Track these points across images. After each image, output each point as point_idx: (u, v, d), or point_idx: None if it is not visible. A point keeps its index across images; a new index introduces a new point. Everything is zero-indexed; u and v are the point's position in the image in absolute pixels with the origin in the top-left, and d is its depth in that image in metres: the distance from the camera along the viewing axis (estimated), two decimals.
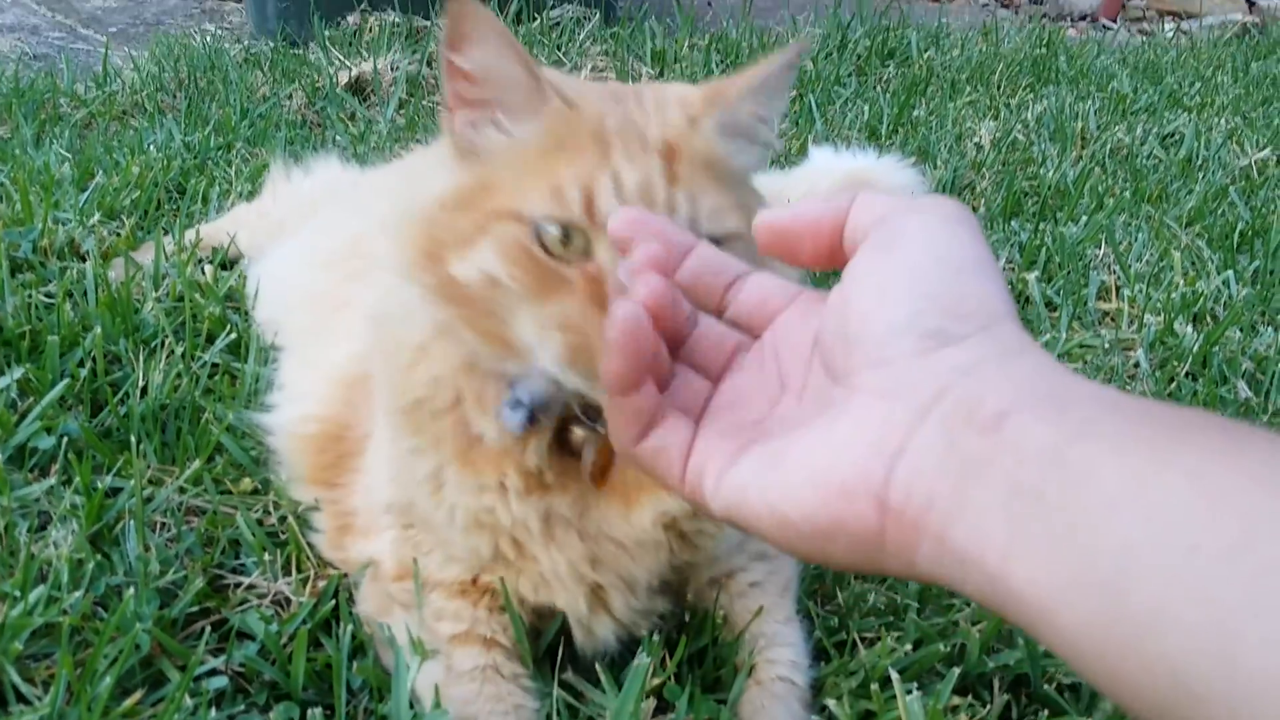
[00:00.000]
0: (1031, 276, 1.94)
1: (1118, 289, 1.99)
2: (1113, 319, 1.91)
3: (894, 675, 1.00)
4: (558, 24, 3.32)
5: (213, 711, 0.95)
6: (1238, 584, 0.44)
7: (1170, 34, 4.80)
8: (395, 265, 0.91)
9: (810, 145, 2.51)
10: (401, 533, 1.06)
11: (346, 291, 1.29)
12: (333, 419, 1.18)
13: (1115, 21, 5.45)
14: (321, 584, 1.13)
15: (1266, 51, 4.11)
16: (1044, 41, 3.79)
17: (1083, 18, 5.48)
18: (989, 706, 1.04)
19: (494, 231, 0.84)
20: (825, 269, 0.66)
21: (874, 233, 0.63)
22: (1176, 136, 2.92)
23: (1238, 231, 2.24)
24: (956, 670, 1.03)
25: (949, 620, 1.13)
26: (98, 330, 1.39)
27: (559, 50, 3.10)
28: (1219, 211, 2.37)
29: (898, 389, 0.58)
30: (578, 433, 0.93)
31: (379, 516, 1.09)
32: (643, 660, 0.97)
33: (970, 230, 0.63)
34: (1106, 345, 1.78)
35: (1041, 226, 2.19)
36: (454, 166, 0.89)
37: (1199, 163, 2.70)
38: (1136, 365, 1.75)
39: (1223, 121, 3.06)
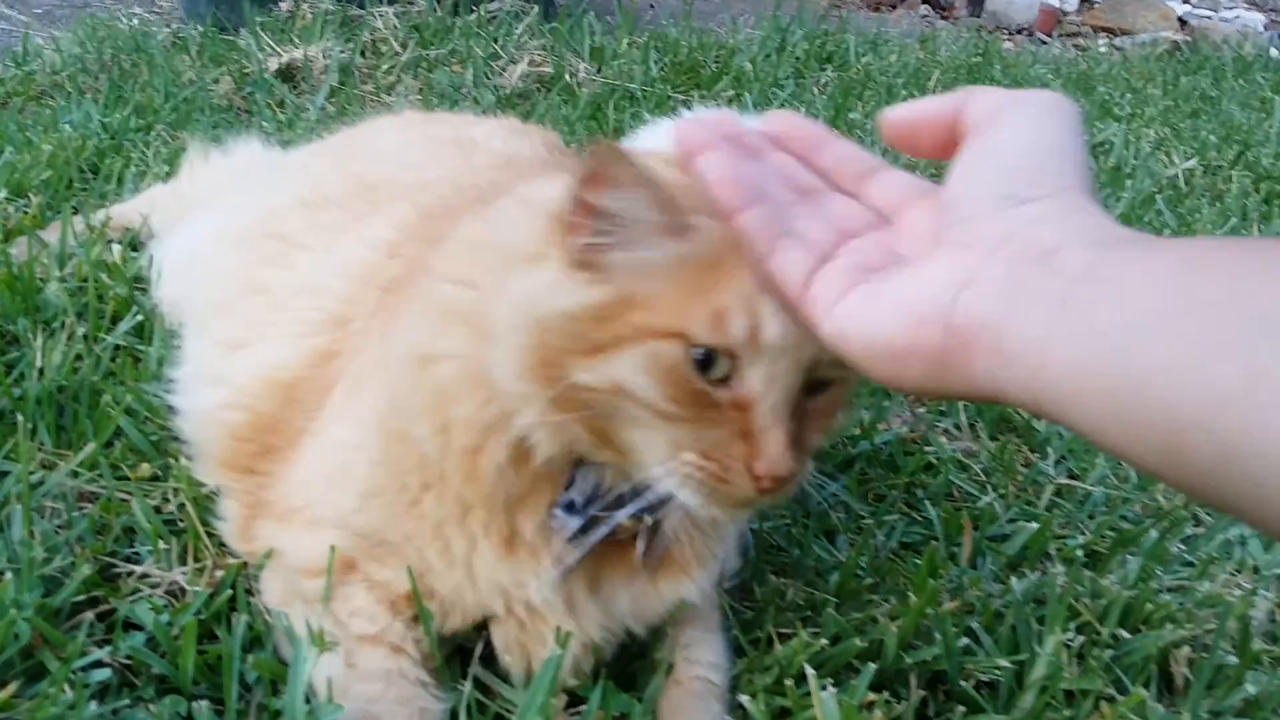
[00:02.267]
0: None
1: None
2: None
3: (809, 671, 0.98)
4: (494, 17, 3.28)
5: (94, 705, 0.90)
6: (1220, 333, 0.55)
7: (1104, 49, 4.86)
8: (506, 372, 0.86)
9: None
10: (351, 540, 1.01)
11: (263, 275, 1.24)
12: (267, 414, 1.12)
13: (1051, 36, 5.51)
14: (219, 574, 1.08)
15: (1196, 67, 4.17)
16: (980, 50, 3.81)
17: (1019, 31, 5.54)
18: (905, 703, 1.02)
19: (640, 346, 0.80)
20: (944, 159, 0.74)
21: (980, 123, 0.73)
22: (1106, 145, 2.94)
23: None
24: (873, 666, 1.01)
25: (867, 615, 1.11)
26: None
27: (495, 44, 3.06)
28: (1145, 219, 2.39)
29: (974, 239, 0.68)
30: (625, 524, 0.92)
31: (315, 516, 1.04)
32: (555, 652, 0.94)
33: (1062, 119, 0.72)
34: None
35: None
36: (576, 280, 0.82)
37: (1128, 171, 2.72)
38: None
39: (1152, 132, 3.09)
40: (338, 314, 1.15)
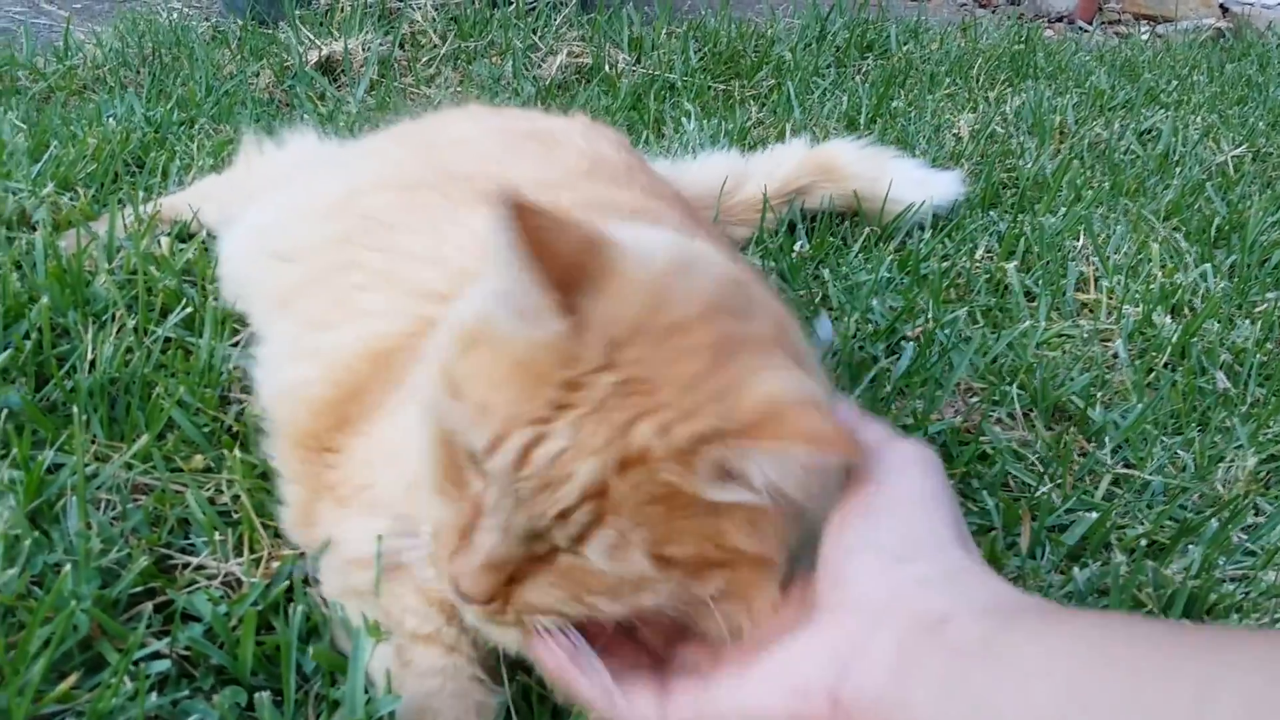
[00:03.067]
0: (1010, 266, 1.91)
1: (1096, 280, 1.96)
2: (1091, 310, 1.88)
3: None
4: (533, 8, 3.26)
5: (154, 696, 0.90)
6: None
7: (1145, 36, 4.79)
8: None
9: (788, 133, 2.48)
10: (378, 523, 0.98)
11: (355, 252, 1.21)
12: (351, 384, 1.09)
13: (1091, 23, 5.44)
14: (275, 565, 1.08)
15: (1240, 54, 4.10)
16: (1022, 38, 3.76)
17: (1059, 19, 5.47)
18: None
19: (441, 402, 0.76)
20: None
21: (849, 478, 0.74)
22: (1154, 132, 2.89)
23: (1214, 226, 2.22)
24: None
25: None
26: (45, 301, 1.33)
27: (534, 35, 3.05)
28: (1196, 206, 2.35)
29: (856, 604, 0.68)
30: None
31: (372, 499, 1.01)
32: None
33: (928, 469, 0.75)
34: (1085, 335, 1.75)
35: (1020, 217, 2.16)
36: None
37: (1176, 158, 2.68)
38: (1115, 356, 1.72)
39: (1199, 119, 3.04)
40: (449, 288, 1.08)
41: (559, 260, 0.71)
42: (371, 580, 0.96)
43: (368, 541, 0.96)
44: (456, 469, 0.76)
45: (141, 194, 1.79)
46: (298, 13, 3.10)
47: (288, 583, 1.04)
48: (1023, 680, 0.60)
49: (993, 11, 5.36)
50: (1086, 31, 5.08)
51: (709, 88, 2.87)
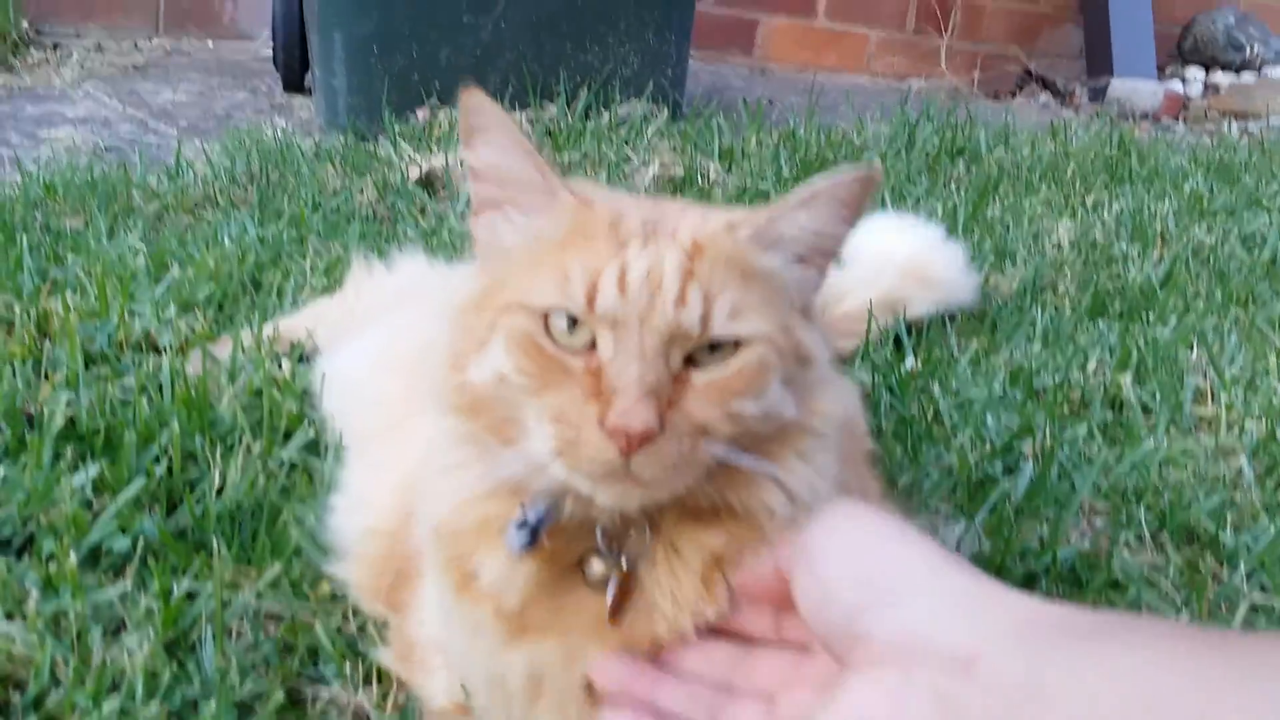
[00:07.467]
0: (1126, 379, 1.87)
1: (1213, 393, 1.91)
2: (1210, 425, 1.83)
3: None
4: (625, 121, 3.33)
5: None
6: None
7: (1237, 134, 4.74)
8: (429, 390, 0.89)
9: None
10: (450, 675, 1.00)
11: (419, 400, 1.24)
12: (391, 533, 1.12)
13: (1177, 120, 5.41)
14: (402, 697, 1.07)
15: None
16: (1115, 141, 3.74)
17: (1144, 117, 5.45)
18: None
19: (503, 326, 0.81)
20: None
21: (799, 554, 0.76)
22: (1258, 238, 2.85)
23: None
24: None
25: None
26: (174, 426, 1.36)
27: (627, 145, 3.10)
28: None
29: (878, 655, 0.68)
30: (597, 565, 0.86)
31: (432, 654, 1.04)
32: None
33: (882, 523, 0.77)
34: (1208, 453, 1.71)
35: (1130, 328, 2.13)
36: (471, 276, 0.89)
37: None
38: (1240, 473, 1.67)
39: None
40: None
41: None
42: None
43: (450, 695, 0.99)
44: (551, 367, 0.79)
45: (258, 315, 1.83)
46: (396, 128, 3.19)
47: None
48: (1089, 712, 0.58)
49: (1076, 111, 5.36)
50: (1171, 131, 5.05)
51: None
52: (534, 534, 0.84)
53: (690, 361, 0.80)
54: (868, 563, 0.73)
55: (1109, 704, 0.57)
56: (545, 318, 0.80)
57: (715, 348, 0.80)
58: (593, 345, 0.79)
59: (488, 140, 0.85)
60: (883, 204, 2.76)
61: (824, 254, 0.87)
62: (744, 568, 0.82)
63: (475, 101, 0.85)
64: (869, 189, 0.84)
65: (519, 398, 0.80)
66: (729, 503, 0.83)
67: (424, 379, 0.96)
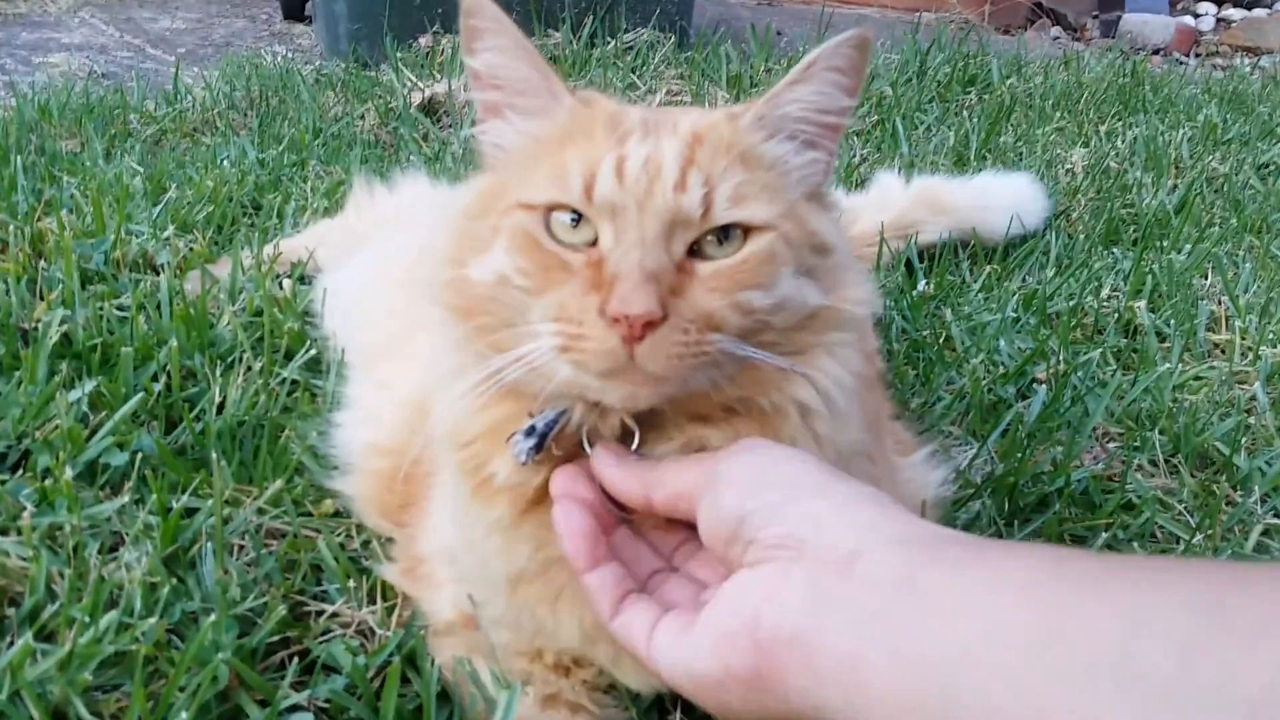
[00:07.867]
0: (1140, 305, 1.84)
1: (1228, 319, 1.88)
2: (1224, 350, 1.81)
3: None
4: (631, 47, 3.27)
5: None
6: (1049, 672, 0.54)
7: (1249, 69, 4.67)
8: (426, 290, 0.87)
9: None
10: (457, 588, 0.98)
11: (423, 312, 1.22)
12: (398, 451, 1.10)
13: (1188, 55, 5.33)
14: (406, 614, 1.05)
15: None
16: (1127, 71, 3.68)
17: (1156, 51, 5.37)
18: None
19: (504, 228, 0.80)
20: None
21: (708, 476, 0.77)
22: (1272, 167, 2.80)
23: None
24: None
25: None
26: (173, 344, 1.33)
27: (633, 73, 3.04)
28: None
29: (766, 553, 0.70)
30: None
31: (440, 567, 1.02)
32: None
33: (779, 449, 0.78)
34: (1222, 378, 1.68)
35: (1145, 255, 2.09)
36: (472, 180, 0.88)
37: None
38: (1254, 398, 1.64)
39: None
40: None
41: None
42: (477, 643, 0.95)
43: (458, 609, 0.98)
44: (552, 265, 0.78)
45: (258, 236, 1.80)
46: (399, 55, 3.13)
47: (422, 632, 1.01)
48: (945, 615, 0.59)
49: (1086, 45, 5.28)
50: (1183, 64, 4.97)
51: None
52: (540, 442, 0.82)
53: (699, 255, 0.78)
54: (758, 480, 0.74)
55: (982, 606, 0.58)
56: (546, 216, 0.79)
57: (723, 241, 0.78)
58: (594, 242, 0.77)
59: (488, 43, 0.84)
60: (896, 133, 2.72)
61: (829, 131, 0.85)
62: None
63: (477, 5, 0.82)
64: (864, 53, 0.83)
65: (520, 299, 0.78)
66: (757, 403, 0.81)
67: (420, 279, 0.94)
